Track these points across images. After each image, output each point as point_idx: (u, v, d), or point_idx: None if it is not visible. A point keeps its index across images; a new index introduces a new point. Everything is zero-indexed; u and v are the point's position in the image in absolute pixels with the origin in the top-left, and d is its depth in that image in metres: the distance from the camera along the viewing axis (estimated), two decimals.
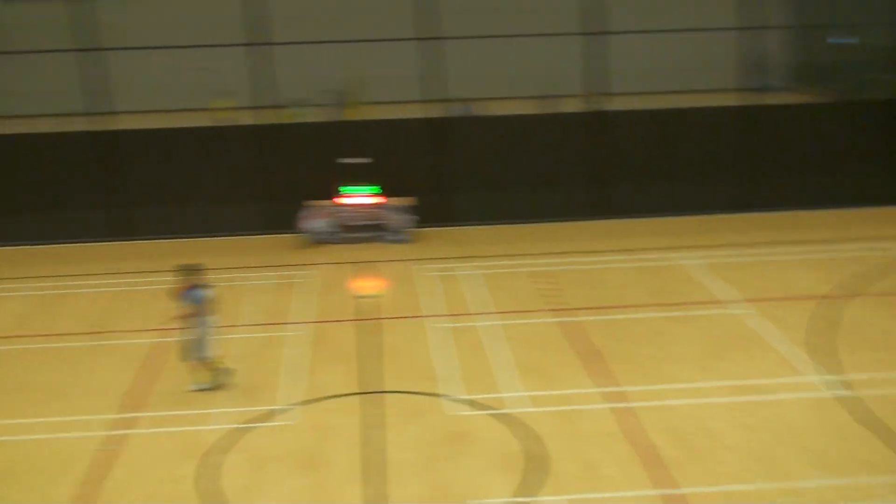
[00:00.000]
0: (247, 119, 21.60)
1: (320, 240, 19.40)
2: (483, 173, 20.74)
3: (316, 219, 19.45)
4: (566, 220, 20.86)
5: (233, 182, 20.25)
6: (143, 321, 15.45)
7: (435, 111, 20.70)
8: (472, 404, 12.21)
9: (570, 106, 22.83)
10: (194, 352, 12.60)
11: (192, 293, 12.48)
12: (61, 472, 10.80)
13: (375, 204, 19.74)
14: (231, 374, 13.03)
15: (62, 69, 23.78)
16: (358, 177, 19.60)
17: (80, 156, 20.05)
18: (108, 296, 16.72)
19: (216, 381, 12.83)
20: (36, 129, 21.89)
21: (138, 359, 13.88)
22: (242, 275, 17.72)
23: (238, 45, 20.41)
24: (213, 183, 20.23)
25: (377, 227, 19.62)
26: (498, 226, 20.56)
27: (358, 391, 12.71)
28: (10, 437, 11.67)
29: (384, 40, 25.44)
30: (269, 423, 11.88)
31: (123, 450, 11.28)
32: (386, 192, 19.83)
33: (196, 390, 12.75)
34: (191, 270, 12.57)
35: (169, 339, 14.51)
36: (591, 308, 15.54)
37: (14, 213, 19.98)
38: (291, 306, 15.99)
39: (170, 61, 32.37)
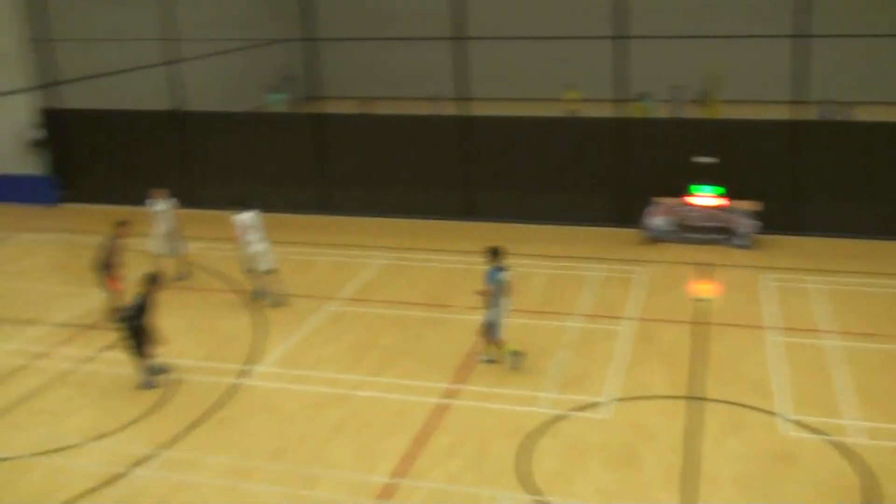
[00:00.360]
0: (596, 111, 21.77)
1: (659, 237, 19.05)
2: (843, 182, 19.17)
3: (659, 216, 19.11)
4: None
5: (576, 172, 20.40)
6: (478, 299, 16.05)
7: (799, 113, 19.45)
8: (802, 426, 11.44)
9: None
10: (488, 329, 13.17)
11: (493, 274, 12.97)
12: (390, 430, 11.61)
13: (720, 206, 19.02)
14: (522, 358, 13.28)
15: (433, 55, 25.48)
16: (706, 176, 18.97)
17: (444, 138, 21.13)
18: (450, 271, 17.57)
19: (504, 360, 13.27)
20: (410, 111, 23.63)
21: (471, 334, 14.48)
22: (581, 265, 17.87)
23: (601, 37, 20.50)
24: (556, 171, 20.50)
25: (719, 230, 18.90)
26: (855, 240, 18.91)
27: (680, 395, 12.38)
28: (349, 391, 12.70)
29: (749, 36, 24.42)
30: (588, 414, 11.93)
31: (449, 418, 11.88)
32: (731, 195, 19.02)
33: (485, 361, 13.42)
34: (494, 252, 13.05)
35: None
36: None
37: (381, 186, 21.51)
38: (625, 301, 15.88)
39: (525, 51, 33.56)
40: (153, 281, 12.95)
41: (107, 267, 15.15)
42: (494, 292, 13.04)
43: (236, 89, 34.00)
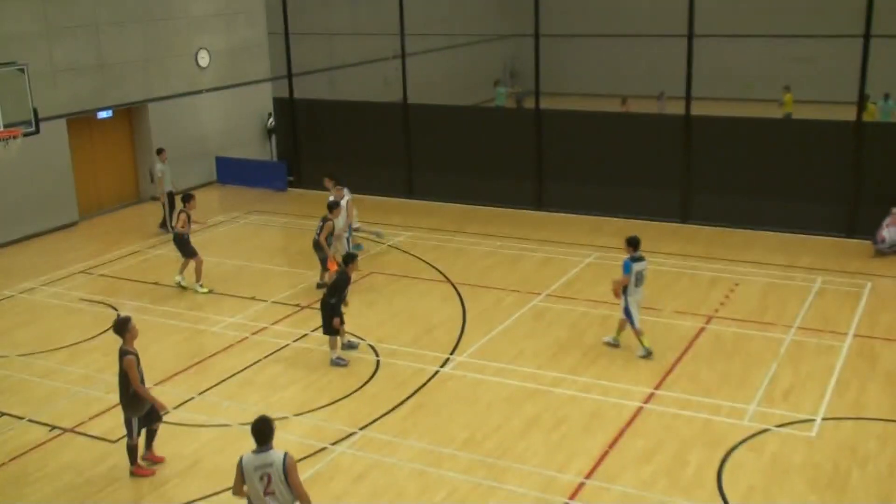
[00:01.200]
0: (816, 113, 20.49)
1: (885, 251, 17.61)
2: None
3: (894, 227, 17.68)
4: None
5: (802, 176, 19.21)
6: (688, 304, 15.53)
7: None
8: None
9: None
10: (626, 319, 13.48)
11: (627, 265, 13.31)
12: (584, 429, 11.44)
13: None
14: (650, 355, 13.36)
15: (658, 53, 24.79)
16: None
17: (665, 138, 20.52)
18: (661, 274, 17.04)
19: (638, 350, 13.49)
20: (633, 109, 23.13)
21: (678, 339, 14.02)
22: (802, 275, 16.85)
23: (848, 35, 19.27)
24: (779, 176, 19.38)
25: None
26: None
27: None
28: (546, 388, 12.60)
29: None
30: (795, 431, 11.25)
31: (646, 423, 11.55)
32: None
33: (643, 356, 13.41)
34: (632, 243, 13.42)
35: (715, 328, 14.50)
36: None
37: (595, 183, 21.17)
38: (848, 316, 14.81)
39: (760, 50, 32.16)
40: (349, 261, 13.64)
41: (320, 246, 16.12)
42: (630, 282, 13.27)
43: (462, 84, 34.70)
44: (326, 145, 24.48)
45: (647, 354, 13.40)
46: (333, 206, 16.40)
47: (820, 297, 15.69)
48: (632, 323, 13.45)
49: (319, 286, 16.39)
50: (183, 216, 16.78)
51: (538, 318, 15.14)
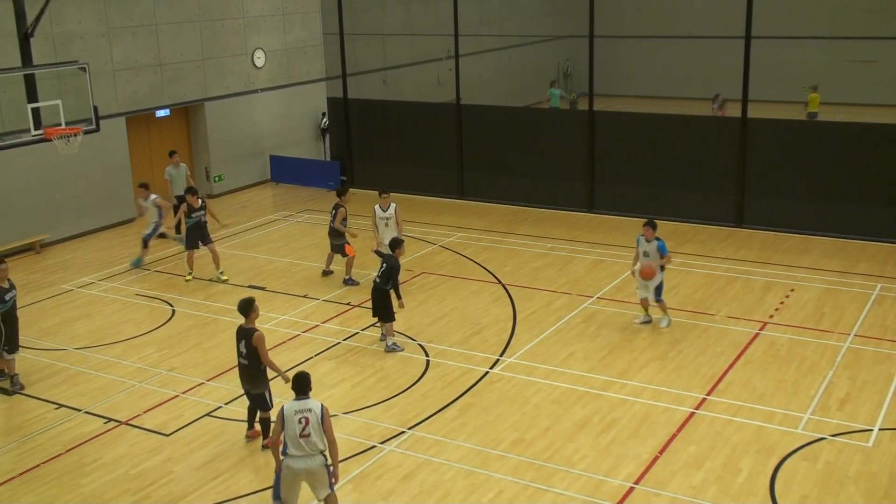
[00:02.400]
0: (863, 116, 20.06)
1: None
2: None
3: None
4: None
5: (859, 180, 18.85)
6: (742, 309, 15.33)
7: None
8: None
9: None
10: (656, 295, 14.51)
11: (663, 245, 14.42)
12: (634, 434, 11.34)
13: None
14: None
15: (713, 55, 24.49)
16: None
17: (720, 141, 20.27)
18: (714, 278, 16.85)
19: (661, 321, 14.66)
20: (688, 111, 22.91)
21: (731, 346, 13.85)
22: (861, 282, 16.52)
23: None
24: (833, 179, 19.03)
25: None
26: None
27: None
28: (596, 391, 12.53)
29: None
30: (851, 441, 11.04)
31: (697, 429, 11.42)
32: None
33: (666, 326, 14.56)
34: (652, 224, 14.50)
35: (769, 334, 14.30)
36: None
37: (649, 186, 21.03)
38: None
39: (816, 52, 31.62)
40: (396, 246, 14.24)
41: (336, 233, 16.85)
42: (660, 261, 14.38)
43: (516, 84, 34.65)
44: (379, 145, 24.61)
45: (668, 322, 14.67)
46: (343, 192, 17.17)
47: (878, 305, 15.37)
48: (659, 297, 14.57)
49: (325, 273, 17.38)
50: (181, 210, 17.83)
51: (589, 321, 15.05)
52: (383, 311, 13.93)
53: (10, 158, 18.13)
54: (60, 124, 15.62)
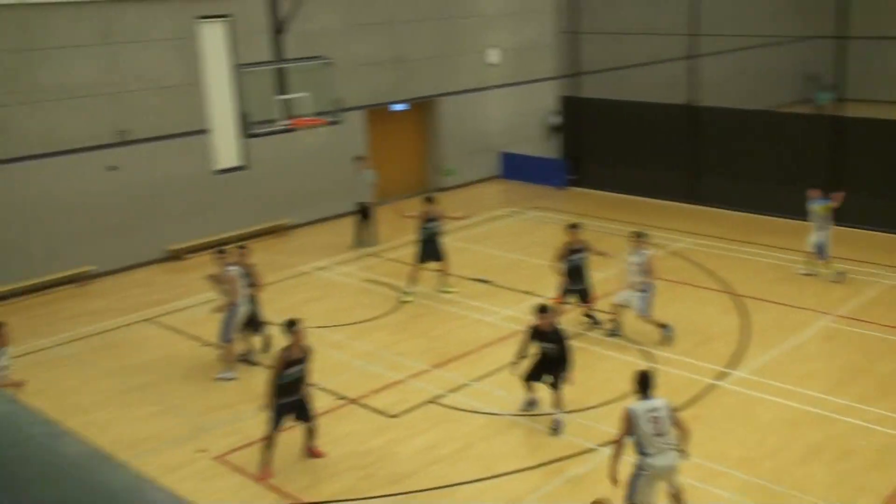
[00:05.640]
0: None
1: None
2: None
3: None
4: None
5: None
6: None
7: None
8: None
9: None
10: (640, 308, 13.90)
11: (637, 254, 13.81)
12: (873, 464, 10.60)
13: None
14: (672, 333, 13.94)
15: None
16: None
17: None
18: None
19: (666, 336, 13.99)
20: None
21: None
22: None
23: None
24: None
25: None
26: None
27: None
28: (832, 414, 11.80)
29: None
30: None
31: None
32: None
33: (667, 336, 13.98)
34: (639, 235, 13.95)
35: None
36: None
37: (865, 193, 19.67)
38: None
39: None
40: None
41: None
42: (642, 272, 13.81)
43: (755, 86, 33.23)
44: (610, 144, 24.33)
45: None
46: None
47: None
48: (644, 310, 13.93)
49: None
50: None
51: (827, 340, 14.21)
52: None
53: (259, 147, 19.35)
54: (307, 116, 16.48)
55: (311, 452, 11.09)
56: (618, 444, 9.07)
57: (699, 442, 11.15)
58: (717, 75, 28.64)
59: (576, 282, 14.48)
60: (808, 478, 10.38)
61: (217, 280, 13.57)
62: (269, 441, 10.69)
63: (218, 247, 14.70)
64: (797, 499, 9.98)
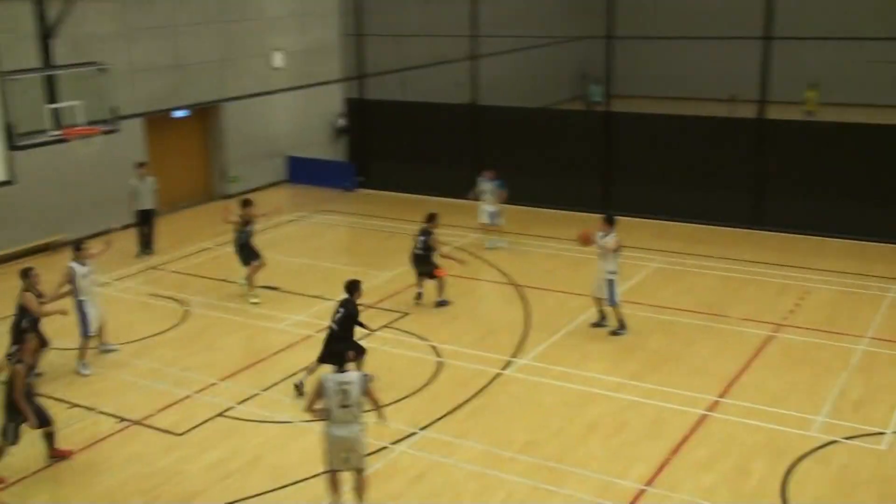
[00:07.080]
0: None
1: None
2: None
3: None
4: None
5: (874, 182, 18.71)
6: (756, 311, 15.25)
7: None
8: None
9: None
10: (605, 295, 14.37)
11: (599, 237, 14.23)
12: (646, 435, 11.31)
13: None
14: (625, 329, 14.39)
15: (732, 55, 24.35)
16: None
17: (738, 142, 20.27)
18: (729, 280, 16.80)
19: (621, 328, 14.44)
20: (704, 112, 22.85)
21: (745, 347, 13.78)
22: (877, 284, 16.44)
23: None
24: (855, 180, 18.93)
25: None
26: None
27: None
28: (608, 392, 12.50)
29: None
30: (865, 444, 10.97)
31: (709, 431, 11.38)
32: None
33: (612, 333, 14.42)
34: (609, 219, 14.38)
35: (783, 336, 14.22)
36: None
37: (663, 187, 20.94)
38: None
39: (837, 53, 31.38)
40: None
41: (423, 260, 15.96)
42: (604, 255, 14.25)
43: (533, 85, 34.57)
44: (396, 145, 24.63)
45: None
46: (432, 219, 15.92)
47: (894, 307, 15.26)
48: (612, 299, 14.38)
49: (419, 297, 16.04)
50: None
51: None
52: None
53: (27, 158, 18.26)
54: (80, 125, 15.74)
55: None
56: (310, 410, 9.58)
57: (485, 431, 11.56)
58: (498, 75, 29.60)
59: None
60: (588, 454, 10.93)
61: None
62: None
63: None
64: (579, 475, 10.49)
